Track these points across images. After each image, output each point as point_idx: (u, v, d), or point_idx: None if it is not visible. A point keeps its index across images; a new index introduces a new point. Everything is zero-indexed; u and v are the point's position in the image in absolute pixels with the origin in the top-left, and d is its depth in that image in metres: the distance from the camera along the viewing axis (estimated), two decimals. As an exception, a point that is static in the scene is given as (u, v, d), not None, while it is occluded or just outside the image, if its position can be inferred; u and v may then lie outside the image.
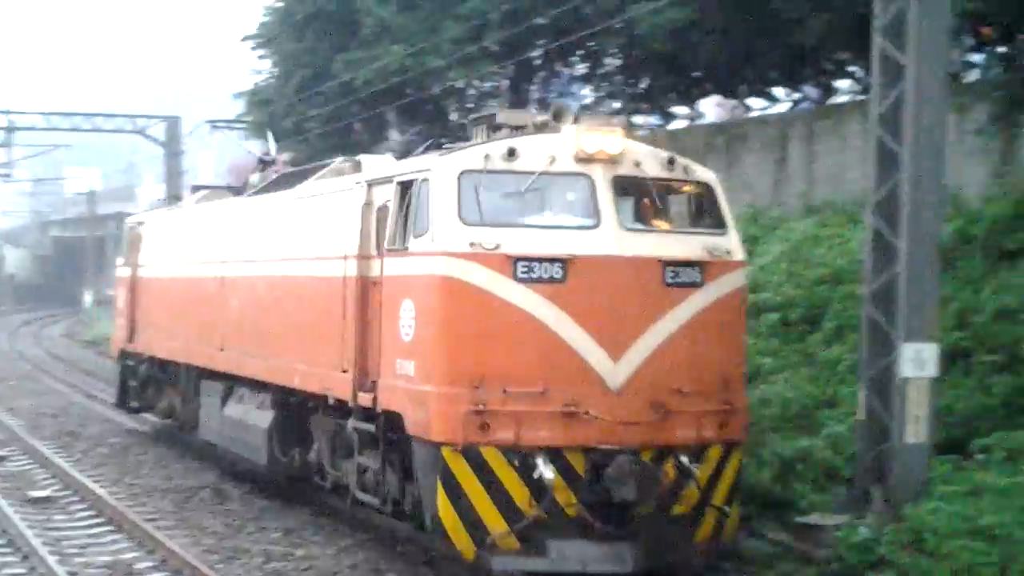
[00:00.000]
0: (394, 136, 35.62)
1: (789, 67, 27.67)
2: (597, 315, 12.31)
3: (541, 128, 13.37)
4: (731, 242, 13.13)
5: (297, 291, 15.74)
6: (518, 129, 13.43)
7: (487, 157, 12.51)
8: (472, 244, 12.15)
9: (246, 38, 38.29)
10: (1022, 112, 18.86)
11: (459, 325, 12.20)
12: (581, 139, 12.62)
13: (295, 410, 16.45)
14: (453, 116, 34.09)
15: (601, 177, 12.63)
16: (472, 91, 33.65)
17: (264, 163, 21.19)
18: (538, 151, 12.65)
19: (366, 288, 13.90)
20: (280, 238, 16.55)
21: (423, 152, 15.29)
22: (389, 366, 13.12)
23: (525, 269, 12.20)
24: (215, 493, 18.44)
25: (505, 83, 33.35)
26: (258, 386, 17.26)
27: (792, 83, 29.25)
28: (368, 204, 14.02)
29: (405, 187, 13.20)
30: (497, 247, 12.16)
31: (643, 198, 13.15)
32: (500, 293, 12.16)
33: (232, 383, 18.44)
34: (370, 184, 14.10)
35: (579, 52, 31.16)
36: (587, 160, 12.66)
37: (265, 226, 17.26)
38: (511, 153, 12.53)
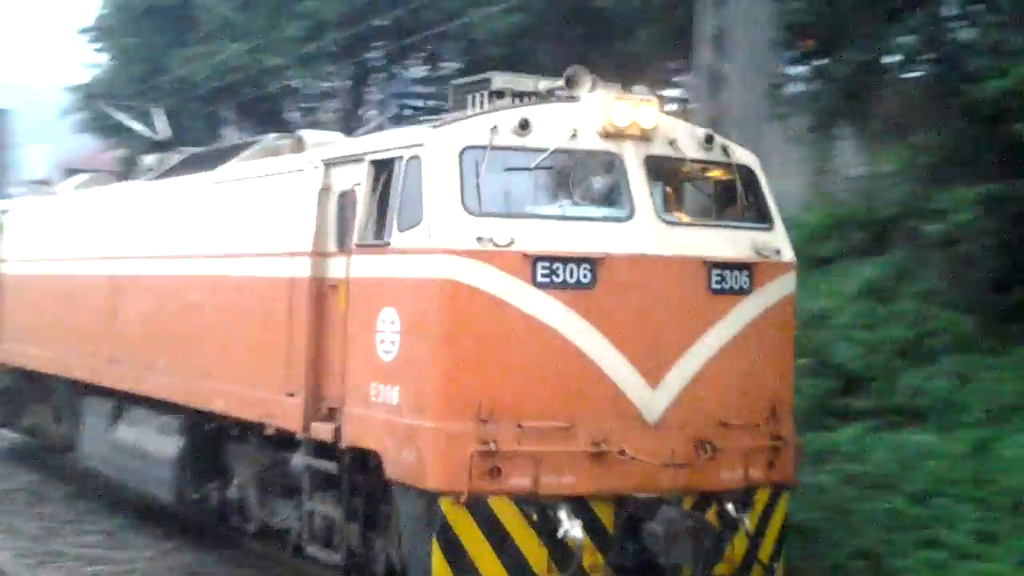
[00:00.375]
0: (229, 134, 34.21)
1: (621, 74, 27.38)
2: (631, 329, 9.84)
3: (546, 97, 10.86)
4: (779, 239, 10.77)
5: (223, 295, 12.94)
6: (521, 97, 10.89)
7: (495, 130, 9.92)
8: (480, 239, 9.57)
9: (83, 31, 37.49)
10: (838, 123, 19.37)
11: (463, 342, 9.59)
12: (610, 110, 10.13)
13: (210, 437, 13.65)
14: (293, 115, 33.86)
15: (633, 157, 10.17)
16: (310, 91, 33.68)
17: (158, 145, 18.26)
18: (556, 123, 10.13)
19: (323, 293, 11.21)
20: (197, 231, 13.70)
21: (375, 129, 12.64)
22: (359, 391, 10.45)
23: (546, 271, 9.66)
24: (32, 495, 17.48)
25: (345, 83, 33.12)
26: (160, 407, 14.38)
27: (624, 90, 28.89)
28: (326, 189, 11.30)
29: (382, 168, 10.55)
30: (511, 243, 9.60)
31: (678, 184, 10.74)
32: (515, 302, 9.59)
33: (122, 401, 15.51)
34: (328, 164, 11.38)
35: (418, 55, 31.23)
36: (616, 136, 10.18)
37: (175, 216, 14.38)
38: (524, 125, 9.97)
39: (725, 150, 10.77)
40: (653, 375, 9.86)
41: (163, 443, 14.24)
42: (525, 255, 9.58)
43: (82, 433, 16.82)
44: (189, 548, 14.46)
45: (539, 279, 9.61)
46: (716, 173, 10.90)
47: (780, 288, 10.60)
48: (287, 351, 11.50)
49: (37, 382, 19.00)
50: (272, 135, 14.32)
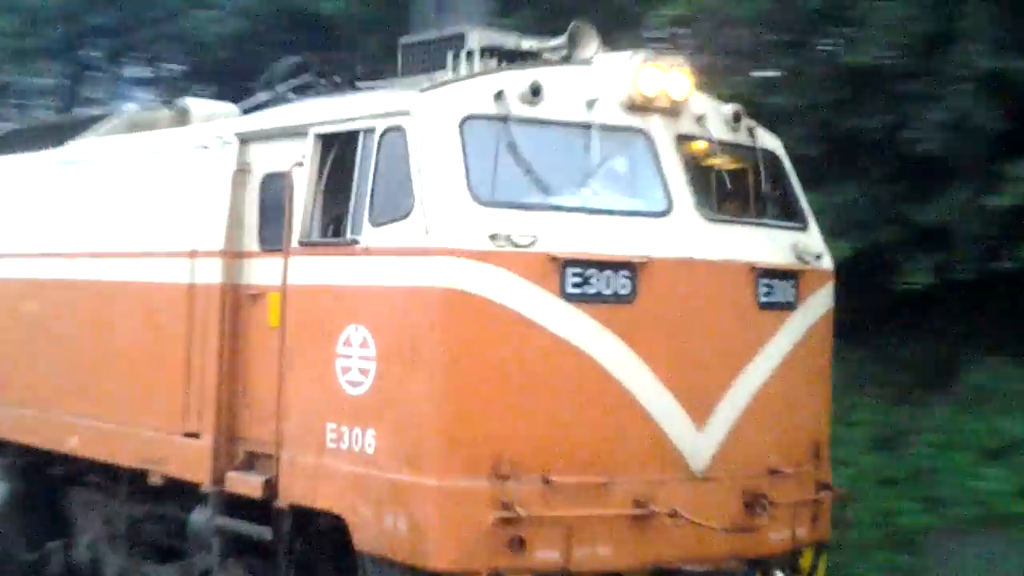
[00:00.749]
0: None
1: (348, 83, 28.23)
2: (673, 355, 7.70)
3: (537, 59, 8.63)
4: (817, 241, 8.80)
5: (81, 304, 10.22)
6: (511, 59, 8.62)
7: (500, 96, 7.62)
8: (494, 237, 7.27)
9: None
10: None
11: (473, 371, 7.26)
12: (638, 76, 7.96)
13: (50, 482, 10.91)
14: (5, 111, 30.76)
15: (663, 134, 8.04)
16: (24, 87, 31.19)
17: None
18: (569, 91, 7.91)
19: (238, 303, 8.69)
20: (37, 222, 10.91)
21: (280, 100, 10.11)
22: (307, 433, 7.98)
23: (578, 280, 7.42)
24: None
25: (62, 81, 30.54)
26: None
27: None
28: (243, 171, 8.78)
29: (335, 143, 8.11)
30: (533, 242, 7.33)
31: (705, 170, 8.65)
32: (540, 319, 7.32)
33: None
34: (246, 140, 8.85)
35: (139, 55, 29.00)
36: (642, 108, 8.02)
37: (2, 204, 11.51)
38: (535, 91, 7.70)
39: (750, 132, 8.74)
40: (699, 412, 7.75)
41: None
42: (552, 258, 7.33)
43: None
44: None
45: (569, 289, 7.38)
46: (739, 158, 8.84)
47: (822, 302, 8.65)
48: (185, 379, 8.93)
49: None
50: (133, 105, 11.59)
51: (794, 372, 8.31)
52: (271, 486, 8.19)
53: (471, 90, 7.70)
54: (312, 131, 8.24)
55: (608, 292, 7.47)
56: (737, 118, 8.61)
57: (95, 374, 9.95)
